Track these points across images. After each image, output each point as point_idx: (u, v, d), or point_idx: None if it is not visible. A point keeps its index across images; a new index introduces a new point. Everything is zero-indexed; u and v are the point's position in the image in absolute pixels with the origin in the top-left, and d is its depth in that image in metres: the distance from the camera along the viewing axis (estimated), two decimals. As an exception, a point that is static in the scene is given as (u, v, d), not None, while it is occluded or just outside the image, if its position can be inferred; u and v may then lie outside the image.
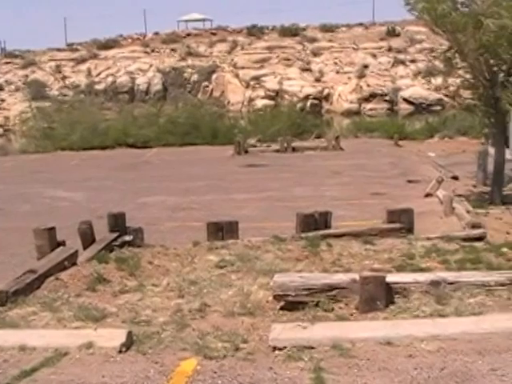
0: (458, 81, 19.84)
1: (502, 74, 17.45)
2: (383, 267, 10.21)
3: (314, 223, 13.03)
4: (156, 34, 79.02)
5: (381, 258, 11.24)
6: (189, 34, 78.41)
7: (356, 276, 8.79)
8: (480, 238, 12.84)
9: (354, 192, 19.82)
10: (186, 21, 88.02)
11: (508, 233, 13.99)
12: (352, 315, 8.56)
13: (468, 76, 18.73)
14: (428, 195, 18.28)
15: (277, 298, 8.94)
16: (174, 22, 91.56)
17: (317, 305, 8.72)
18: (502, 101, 17.38)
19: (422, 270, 10.19)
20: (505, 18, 15.82)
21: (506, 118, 19.58)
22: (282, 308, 8.86)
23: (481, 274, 9.41)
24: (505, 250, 11.82)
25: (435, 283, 8.87)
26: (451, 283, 8.95)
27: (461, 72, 19.24)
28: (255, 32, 76.15)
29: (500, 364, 6.98)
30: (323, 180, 22.27)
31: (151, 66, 67.74)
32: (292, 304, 8.79)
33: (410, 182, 21.44)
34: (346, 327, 7.98)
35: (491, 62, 17.58)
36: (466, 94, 19.83)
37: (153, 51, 72.36)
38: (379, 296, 8.52)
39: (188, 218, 16.89)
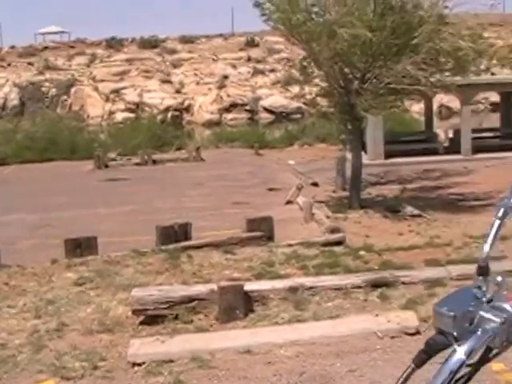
0: (315, 89, 20.19)
1: (356, 82, 17.80)
2: (242, 276, 10.24)
3: (174, 235, 12.95)
4: (12, 47, 77.20)
5: (241, 266, 11.25)
6: (46, 47, 77.00)
7: (214, 286, 8.76)
8: (339, 243, 13.06)
9: (215, 202, 19.81)
10: (44, 34, 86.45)
11: (367, 236, 14.29)
12: (212, 326, 8.52)
13: (324, 84, 19.08)
14: (288, 202, 18.46)
15: (136, 312, 8.79)
16: (31, 34, 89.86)
17: (176, 317, 8.63)
18: (357, 107, 17.76)
19: (281, 276, 10.25)
20: (358, 27, 16.15)
21: (361, 124, 20.06)
22: (141, 323, 8.72)
23: (338, 278, 9.56)
24: (362, 252, 12.08)
25: (293, 289, 8.94)
26: (309, 288, 9.04)
27: (317, 80, 19.58)
28: (114, 44, 75.54)
29: (357, 365, 7.09)
30: (185, 191, 22.17)
31: (7, 80, 66.00)
32: (151, 318, 8.67)
33: (270, 190, 21.58)
34: (205, 338, 7.94)
35: (345, 70, 17.95)
36: (323, 101, 20.18)
37: (9, 65, 70.61)
38: (238, 305, 8.50)
39: (47, 235, 16.44)
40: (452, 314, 1.78)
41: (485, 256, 1.89)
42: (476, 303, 1.84)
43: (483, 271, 1.88)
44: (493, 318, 1.80)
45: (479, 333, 1.79)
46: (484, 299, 1.85)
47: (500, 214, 1.93)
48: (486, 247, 1.90)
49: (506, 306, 1.83)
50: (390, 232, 14.75)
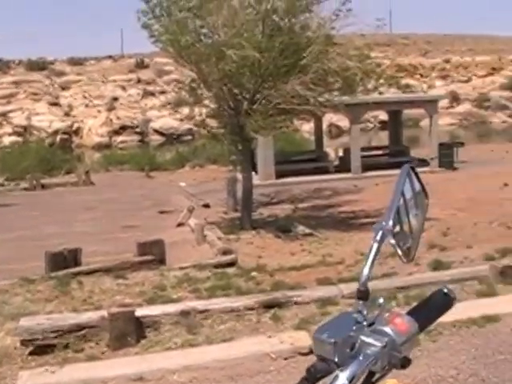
0: (205, 110, 20.18)
1: (245, 103, 17.87)
2: (133, 301, 10.09)
3: (64, 261, 12.67)
4: None
5: (132, 291, 11.10)
6: None
7: (105, 313, 8.60)
8: (231, 264, 13.04)
9: (106, 226, 19.54)
10: None
11: (259, 256, 14.31)
12: (103, 354, 8.34)
13: (213, 105, 19.08)
14: (180, 225, 18.37)
15: (24, 343, 8.52)
16: None
17: (66, 346, 8.42)
18: (247, 128, 17.82)
19: (173, 300, 10.15)
20: (246, 48, 16.22)
21: (251, 144, 20.14)
22: (30, 353, 8.45)
23: (230, 300, 9.52)
24: (255, 273, 12.08)
25: (185, 313, 8.85)
26: (201, 312, 8.97)
27: (207, 102, 19.58)
28: (0, 66, 74.08)
29: (252, 388, 7.05)
30: (75, 216, 21.79)
31: None
32: (41, 348, 8.42)
33: (162, 212, 21.41)
34: (96, 367, 7.76)
35: (235, 91, 18.00)
36: (213, 122, 20.18)
37: None
38: (129, 331, 8.36)
39: None
40: (332, 340, 1.75)
41: (364, 280, 1.88)
42: (357, 328, 1.82)
43: (363, 295, 1.86)
44: (374, 342, 1.79)
45: (361, 358, 1.77)
46: (365, 323, 1.84)
47: (378, 237, 1.92)
48: (365, 271, 1.89)
49: (387, 329, 1.82)
50: (283, 252, 14.82)
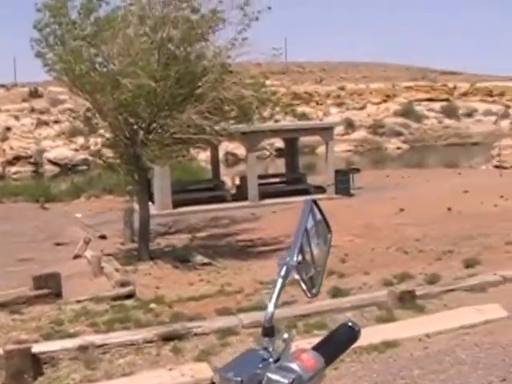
0: (100, 140, 19.95)
1: (141, 132, 17.75)
2: (30, 337, 9.81)
3: (-45, 297, 12.31)
4: None
5: (29, 327, 10.81)
6: None
7: (0, 350, 8.32)
8: (130, 296, 12.87)
9: (0, 259, 19.03)
10: None
11: (157, 287, 14.17)
12: (-1, 392, 8.09)
13: (109, 135, 18.87)
14: (76, 257, 18.05)
15: None
16: None
17: (-41, 386, 8.14)
18: (143, 158, 17.71)
19: (70, 335, 9.91)
20: (142, 77, 16.15)
21: (148, 174, 20.00)
22: None
23: (129, 333, 9.36)
24: (153, 305, 11.94)
25: (83, 348, 8.65)
26: (100, 346, 8.78)
27: (102, 131, 19.38)
28: None
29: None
30: (-33, 249, 21.18)
31: None
32: None
33: (57, 244, 21.01)
34: (-10, 407, 7.51)
35: (131, 120, 17.88)
36: (109, 152, 19.96)
37: None
38: (26, 369, 8.10)
39: None
40: (239, 379, 1.72)
41: (269, 316, 1.84)
42: (263, 365, 1.79)
43: (268, 331, 1.83)
44: (280, 379, 1.76)
45: None
46: (271, 360, 1.80)
47: (283, 272, 1.89)
48: (270, 307, 1.86)
49: (294, 365, 1.79)
50: (181, 282, 14.72)
